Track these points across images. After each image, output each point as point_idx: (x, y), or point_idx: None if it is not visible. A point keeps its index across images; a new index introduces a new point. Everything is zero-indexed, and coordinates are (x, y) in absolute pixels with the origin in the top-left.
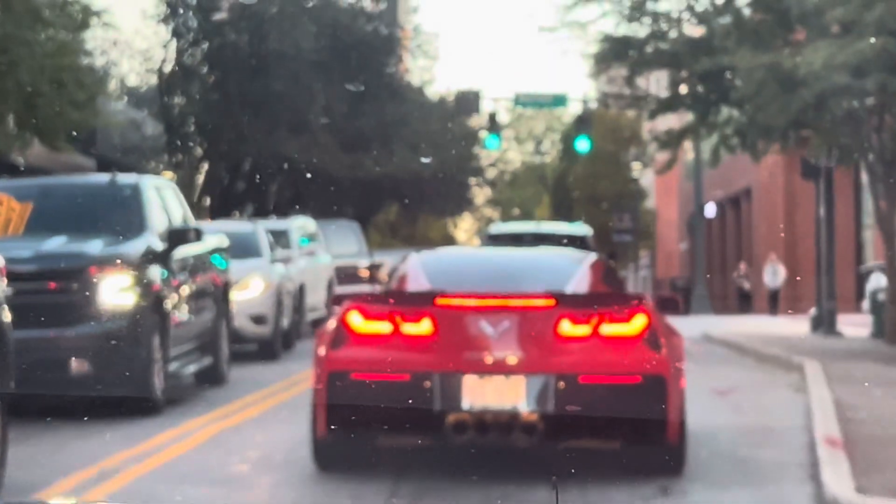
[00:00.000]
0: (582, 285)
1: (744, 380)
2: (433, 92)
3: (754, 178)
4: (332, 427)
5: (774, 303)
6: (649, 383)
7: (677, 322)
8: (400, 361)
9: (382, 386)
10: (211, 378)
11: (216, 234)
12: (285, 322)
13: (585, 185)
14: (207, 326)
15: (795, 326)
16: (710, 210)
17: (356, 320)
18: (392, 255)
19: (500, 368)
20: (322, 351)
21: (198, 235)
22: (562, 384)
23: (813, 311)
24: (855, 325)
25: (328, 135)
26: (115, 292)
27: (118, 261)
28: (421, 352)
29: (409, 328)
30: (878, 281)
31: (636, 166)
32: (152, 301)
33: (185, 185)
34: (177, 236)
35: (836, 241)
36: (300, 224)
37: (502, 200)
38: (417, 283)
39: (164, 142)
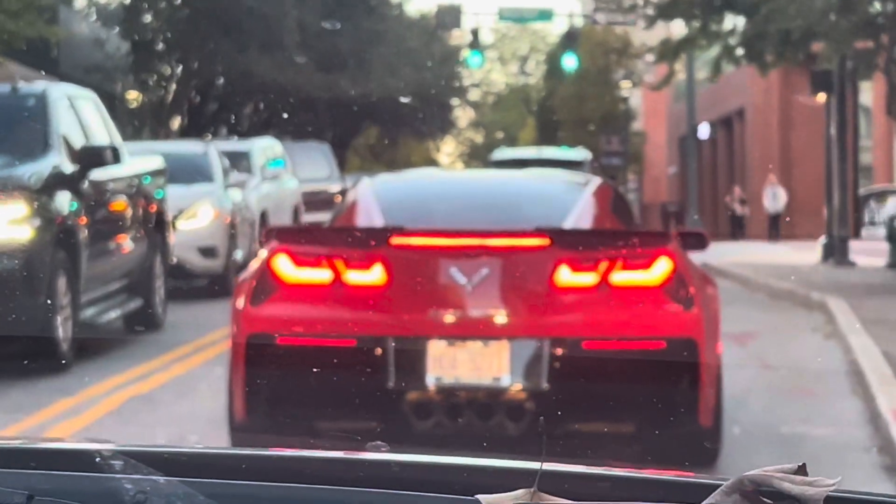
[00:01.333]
0: (585, 219)
1: (761, 322)
2: (413, 8)
3: (747, 98)
4: (254, 408)
5: (775, 228)
6: (676, 349)
7: None
8: (343, 321)
9: (319, 354)
10: (143, 322)
11: (150, 154)
12: (240, 254)
13: (571, 106)
14: (136, 263)
15: (801, 255)
16: (704, 131)
17: (285, 266)
18: None
19: (477, 331)
20: (240, 305)
21: (115, 155)
22: (559, 351)
23: (823, 238)
24: (865, 254)
25: (302, 53)
26: (8, 224)
27: (11, 185)
28: (371, 309)
29: (356, 277)
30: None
31: (625, 85)
32: (56, 234)
33: (154, 106)
34: (90, 156)
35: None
36: (263, 145)
37: (486, 123)
38: (368, 216)
39: (132, 60)
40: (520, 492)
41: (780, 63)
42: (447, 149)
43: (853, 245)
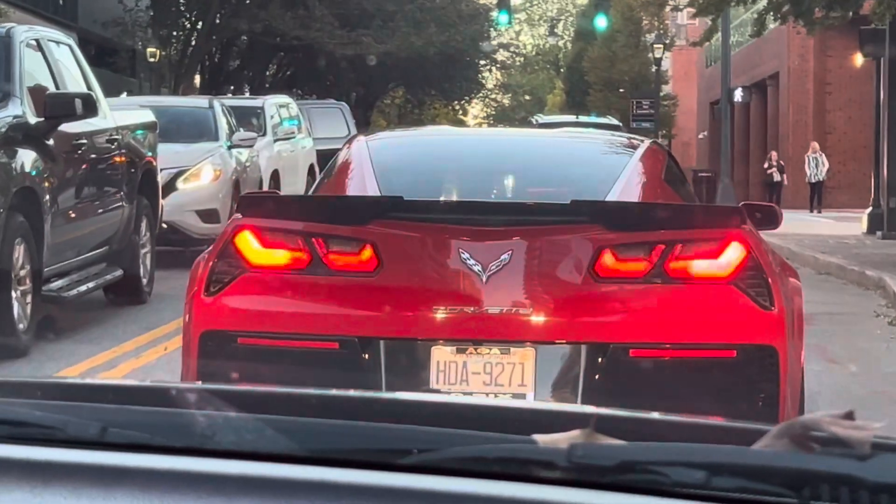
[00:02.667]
0: (632, 190)
1: (814, 303)
2: None
3: (782, 61)
4: None
5: (817, 197)
6: (751, 359)
7: None
8: (322, 318)
9: (291, 359)
10: (125, 296)
11: (148, 109)
12: None
13: (601, 68)
14: (116, 229)
15: (844, 226)
16: (739, 95)
17: (251, 245)
18: None
19: (494, 333)
20: (193, 292)
21: (88, 106)
22: (599, 360)
23: (869, 208)
24: None
25: (326, 9)
26: None
27: None
28: (358, 303)
29: (341, 261)
30: None
31: (657, 47)
32: (14, 196)
33: (174, 62)
34: (58, 107)
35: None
36: (276, 103)
37: (513, 86)
38: (360, 184)
39: (152, 15)
40: (576, 432)
41: (827, 21)
42: (474, 110)
43: None
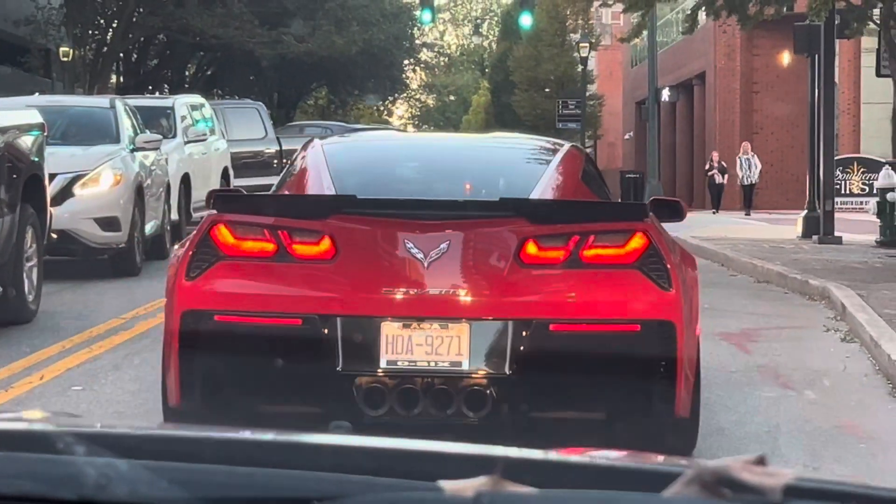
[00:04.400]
0: (552, 188)
1: (757, 316)
2: None
3: (709, 61)
4: (189, 391)
5: (748, 199)
6: (652, 332)
7: None
8: (287, 298)
9: (261, 333)
10: (7, 314)
11: (21, 108)
12: (151, 225)
13: (526, 67)
14: None
15: (778, 229)
16: (666, 94)
17: (224, 236)
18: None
19: (435, 311)
20: (174, 278)
21: None
22: (524, 334)
23: (804, 211)
24: (840, 227)
25: (245, 7)
26: None
27: None
28: (318, 285)
29: (302, 250)
30: (889, 178)
31: (582, 46)
32: None
33: (89, 62)
34: None
35: (836, 128)
36: (188, 102)
37: (438, 86)
38: (318, 183)
39: (65, 13)
40: (483, 479)
41: (761, 16)
42: (398, 111)
43: None
